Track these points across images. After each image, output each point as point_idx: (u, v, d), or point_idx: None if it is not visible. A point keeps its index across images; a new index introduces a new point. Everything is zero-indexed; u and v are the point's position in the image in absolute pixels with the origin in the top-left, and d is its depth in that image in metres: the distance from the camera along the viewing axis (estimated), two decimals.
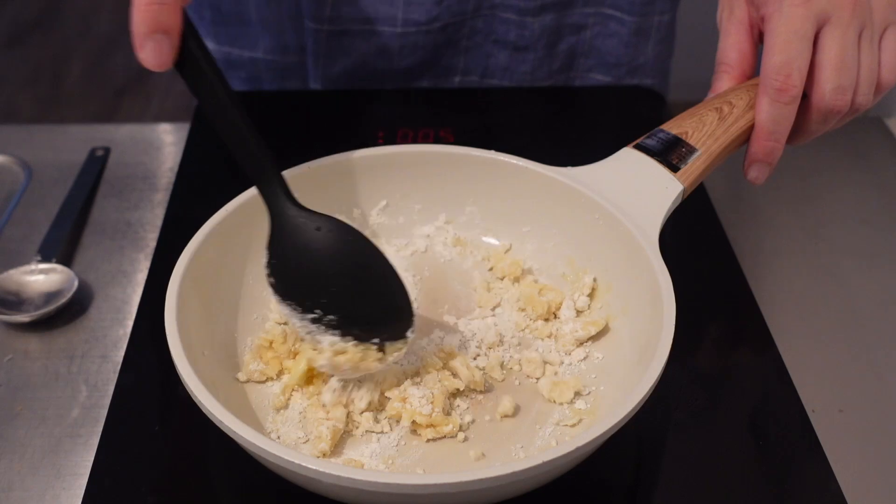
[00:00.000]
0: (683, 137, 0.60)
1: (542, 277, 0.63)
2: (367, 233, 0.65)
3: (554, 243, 0.63)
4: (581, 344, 0.58)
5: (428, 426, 0.52)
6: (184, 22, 0.48)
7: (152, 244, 0.73)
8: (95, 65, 2.54)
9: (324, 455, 0.51)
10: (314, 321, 0.51)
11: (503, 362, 0.57)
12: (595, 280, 0.61)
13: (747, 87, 0.61)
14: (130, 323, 0.65)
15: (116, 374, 0.60)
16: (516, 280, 0.63)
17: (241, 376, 0.55)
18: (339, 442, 0.52)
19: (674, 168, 0.58)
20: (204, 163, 0.79)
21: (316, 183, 0.62)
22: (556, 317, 0.60)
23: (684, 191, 0.58)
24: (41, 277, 0.68)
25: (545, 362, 0.57)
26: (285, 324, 0.57)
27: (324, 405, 0.53)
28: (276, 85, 0.93)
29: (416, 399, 0.52)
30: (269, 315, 0.59)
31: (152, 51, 0.47)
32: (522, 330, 0.60)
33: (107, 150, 0.83)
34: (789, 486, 0.54)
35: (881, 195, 0.83)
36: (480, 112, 0.87)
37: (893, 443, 0.61)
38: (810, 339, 0.68)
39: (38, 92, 2.43)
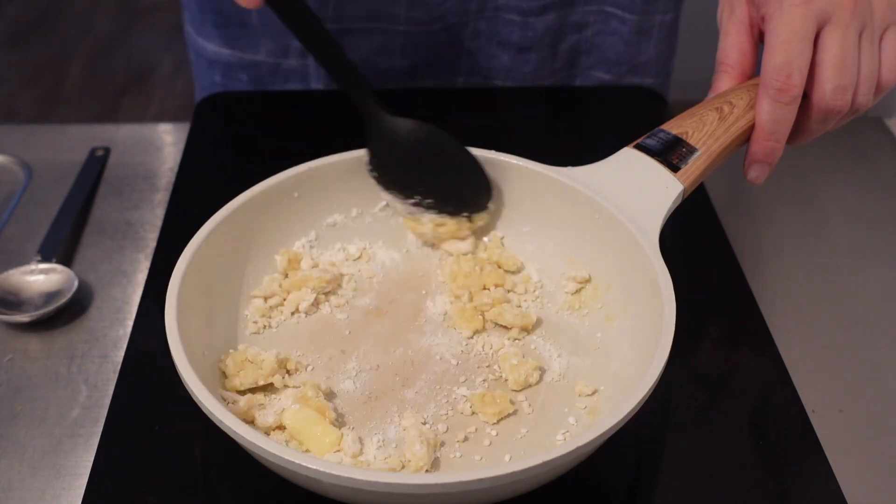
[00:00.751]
0: (684, 137, 0.60)
1: (543, 277, 0.63)
2: (367, 231, 0.65)
3: (554, 243, 0.63)
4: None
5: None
6: None
7: (152, 244, 0.73)
8: (95, 65, 2.54)
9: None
10: (415, 204, 0.62)
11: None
12: (590, 278, 0.61)
13: (748, 86, 0.61)
14: (130, 323, 0.65)
15: (116, 374, 0.60)
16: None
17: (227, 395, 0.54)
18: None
19: (674, 168, 0.58)
20: (204, 163, 0.79)
21: (316, 182, 0.62)
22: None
23: (684, 191, 0.58)
24: (41, 277, 0.68)
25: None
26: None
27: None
28: (278, 87, 0.93)
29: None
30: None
31: None
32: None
33: (107, 150, 0.83)
34: (789, 486, 0.54)
35: (881, 195, 0.83)
36: (480, 112, 0.87)
37: (893, 443, 0.61)
38: (810, 339, 0.68)
39: (38, 92, 2.43)
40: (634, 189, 0.58)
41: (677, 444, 0.57)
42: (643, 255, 0.55)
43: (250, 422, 0.53)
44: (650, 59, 0.91)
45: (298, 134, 0.82)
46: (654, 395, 0.47)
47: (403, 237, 0.66)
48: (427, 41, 0.86)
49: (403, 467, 0.50)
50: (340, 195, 0.64)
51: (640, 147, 0.60)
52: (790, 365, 0.61)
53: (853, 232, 0.78)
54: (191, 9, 0.91)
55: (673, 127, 0.61)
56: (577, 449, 0.44)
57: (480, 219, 0.63)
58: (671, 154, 0.59)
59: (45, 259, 0.69)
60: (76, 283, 0.67)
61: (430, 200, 0.62)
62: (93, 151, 0.83)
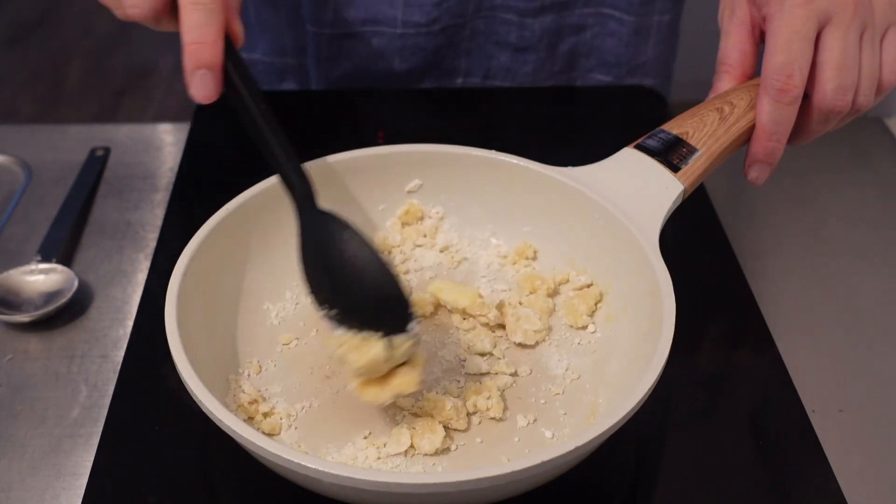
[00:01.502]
0: (684, 137, 0.60)
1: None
2: (369, 229, 0.65)
3: (554, 243, 0.63)
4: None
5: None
6: (226, 54, 0.52)
7: (152, 244, 0.73)
8: (95, 65, 2.54)
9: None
10: (325, 316, 0.52)
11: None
12: (592, 283, 0.61)
13: (748, 87, 0.61)
14: (130, 323, 0.65)
15: (116, 374, 0.60)
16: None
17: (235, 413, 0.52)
18: (339, 444, 0.52)
19: (674, 168, 0.58)
20: (204, 163, 0.79)
21: (316, 183, 0.62)
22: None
23: (685, 191, 0.58)
24: (41, 277, 0.68)
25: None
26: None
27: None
28: (275, 86, 0.93)
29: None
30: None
31: (198, 85, 0.52)
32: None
33: (107, 150, 0.83)
34: (789, 486, 0.54)
35: (881, 195, 0.83)
36: (481, 112, 0.87)
37: (893, 443, 0.61)
38: (810, 339, 0.68)
39: (38, 92, 2.43)
40: (634, 189, 0.58)
41: (677, 444, 0.57)
42: (643, 255, 0.55)
43: (251, 418, 0.53)
44: (650, 60, 0.91)
45: (298, 134, 0.81)
46: (654, 395, 0.47)
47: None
48: (425, 43, 0.86)
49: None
50: (340, 195, 0.64)
51: (640, 147, 0.60)
52: (790, 365, 0.61)
53: (853, 232, 0.78)
54: None
55: (673, 127, 0.61)
56: (577, 449, 0.44)
57: (403, 343, 0.51)
58: (671, 154, 0.59)
59: (45, 259, 0.69)
60: (76, 283, 0.67)
61: (335, 311, 0.51)
62: (93, 151, 0.83)
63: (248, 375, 0.56)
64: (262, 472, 0.49)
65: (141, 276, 0.70)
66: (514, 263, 0.64)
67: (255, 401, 0.54)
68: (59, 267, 0.69)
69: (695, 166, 0.59)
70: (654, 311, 0.52)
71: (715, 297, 0.67)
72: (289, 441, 0.53)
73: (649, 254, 0.55)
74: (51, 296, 0.67)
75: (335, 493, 0.47)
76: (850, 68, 0.57)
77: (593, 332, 0.59)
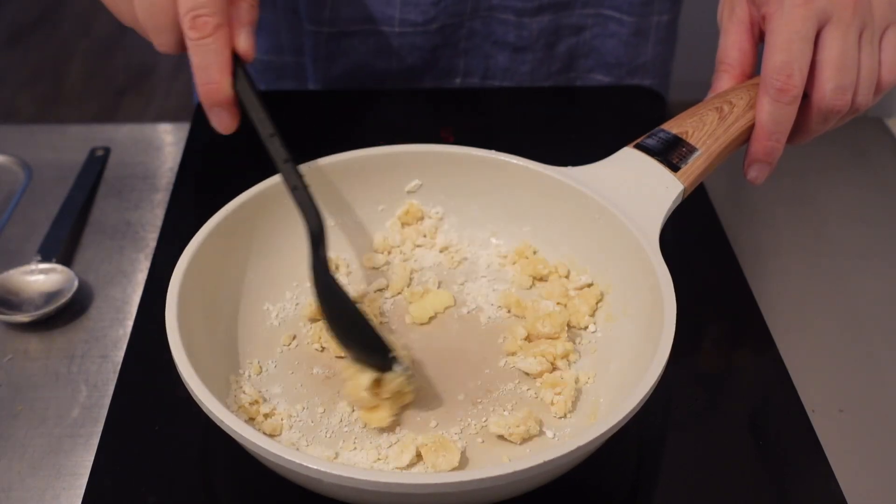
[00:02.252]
0: (684, 137, 0.60)
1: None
2: (369, 229, 0.65)
3: (554, 243, 0.63)
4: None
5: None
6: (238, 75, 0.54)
7: (152, 244, 0.73)
8: (95, 65, 2.54)
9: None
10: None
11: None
12: (591, 278, 0.61)
13: (747, 86, 0.61)
14: (130, 323, 0.65)
15: (116, 374, 0.60)
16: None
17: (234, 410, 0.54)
18: (340, 444, 0.52)
19: (674, 168, 0.58)
20: (204, 163, 0.79)
21: (314, 184, 0.62)
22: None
23: (684, 190, 0.58)
24: (41, 277, 0.68)
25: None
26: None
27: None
28: (272, 85, 0.93)
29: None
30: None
31: (215, 121, 0.56)
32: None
33: (107, 150, 0.83)
34: (789, 486, 0.54)
35: (881, 195, 0.83)
36: (481, 112, 0.87)
37: (893, 443, 0.61)
38: (810, 339, 0.68)
39: (38, 92, 2.43)
40: (634, 189, 0.58)
41: (677, 444, 0.57)
42: (643, 254, 0.55)
43: (252, 419, 0.53)
44: (649, 60, 0.91)
45: (298, 134, 0.81)
46: (654, 395, 0.47)
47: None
48: (423, 42, 0.86)
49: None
50: (340, 196, 0.64)
51: (640, 147, 0.60)
52: (790, 365, 0.61)
53: (853, 232, 0.78)
54: None
55: (673, 127, 0.61)
56: (578, 449, 0.44)
57: (393, 379, 0.53)
58: (671, 154, 0.59)
59: (45, 259, 0.69)
60: (76, 283, 0.67)
61: (342, 347, 0.55)
62: (93, 151, 0.83)
63: (249, 376, 0.56)
64: (262, 473, 0.49)
65: (141, 276, 0.70)
66: (514, 263, 0.64)
67: (256, 401, 0.54)
68: (59, 267, 0.69)
69: (694, 166, 0.59)
70: (654, 310, 0.52)
71: (715, 297, 0.67)
72: (289, 441, 0.53)
73: (650, 253, 0.55)
74: (51, 296, 0.67)
75: (336, 494, 0.47)
76: (850, 68, 0.57)
77: (594, 332, 0.59)
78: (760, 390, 0.60)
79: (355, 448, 0.52)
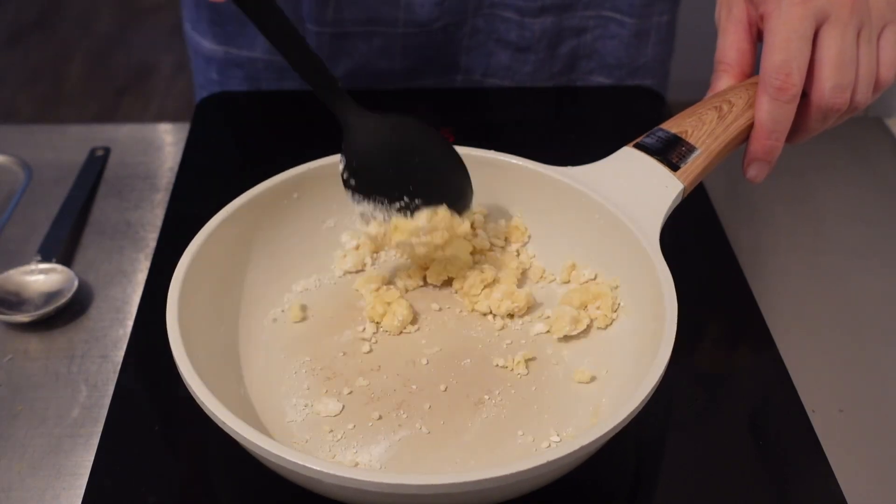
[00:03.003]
0: (683, 136, 0.60)
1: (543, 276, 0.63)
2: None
3: (554, 243, 0.63)
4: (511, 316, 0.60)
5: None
6: None
7: (152, 244, 0.73)
8: (95, 65, 2.54)
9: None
10: (401, 209, 0.57)
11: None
12: (591, 278, 0.61)
13: (746, 85, 0.61)
14: (130, 323, 0.65)
15: (116, 374, 0.60)
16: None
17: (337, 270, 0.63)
18: (340, 445, 0.52)
19: (674, 167, 0.58)
20: (204, 163, 0.79)
21: (315, 183, 0.62)
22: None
23: (684, 190, 0.58)
24: (41, 277, 0.68)
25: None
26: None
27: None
28: (275, 84, 0.93)
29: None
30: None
31: None
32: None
33: (107, 150, 0.83)
34: (789, 486, 0.54)
35: (881, 195, 0.83)
36: (481, 112, 0.87)
37: (893, 443, 0.61)
38: (810, 339, 0.68)
39: (38, 92, 2.43)
40: (634, 188, 0.58)
41: (677, 444, 0.57)
42: (644, 254, 0.55)
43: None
44: (649, 61, 0.91)
45: (299, 134, 0.82)
46: (654, 395, 0.47)
47: None
48: (426, 41, 0.86)
49: None
50: (340, 196, 0.64)
51: (639, 146, 0.60)
52: (790, 365, 0.61)
53: (853, 232, 0.78)
54: (188, 6, 0.91)
55: (672, 126, 0.61)
56: (579, 449, 0.44)
57: (469, 218, 0.59)
58: (671, 153, 0.59)
59: (45, 259, 0.69)
60: (76, 283, 0.67)
61: (418, 201, 0.57)
62: (93, 151, 0.83)
63: (250, 376, 0.56)
64: (262, 473, 0.49)
65: (141, 276, 0.70)
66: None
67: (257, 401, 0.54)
68: (59, 267, 0.69)
69: (694, 165, 0.59)
70: (655, 310, 0.52)
71: (715, 296, 0.67)
72: (290, 441, 0.53)
73: (650, 253, 0.55)
74: (51, 296, 0.67)
75: (336, 494, 0.47)
76: (848, 66, 0.57)
77: (594, 332, 0.59)
78: (760, 390, 0.60)
79: (356, 451, 0.52)
